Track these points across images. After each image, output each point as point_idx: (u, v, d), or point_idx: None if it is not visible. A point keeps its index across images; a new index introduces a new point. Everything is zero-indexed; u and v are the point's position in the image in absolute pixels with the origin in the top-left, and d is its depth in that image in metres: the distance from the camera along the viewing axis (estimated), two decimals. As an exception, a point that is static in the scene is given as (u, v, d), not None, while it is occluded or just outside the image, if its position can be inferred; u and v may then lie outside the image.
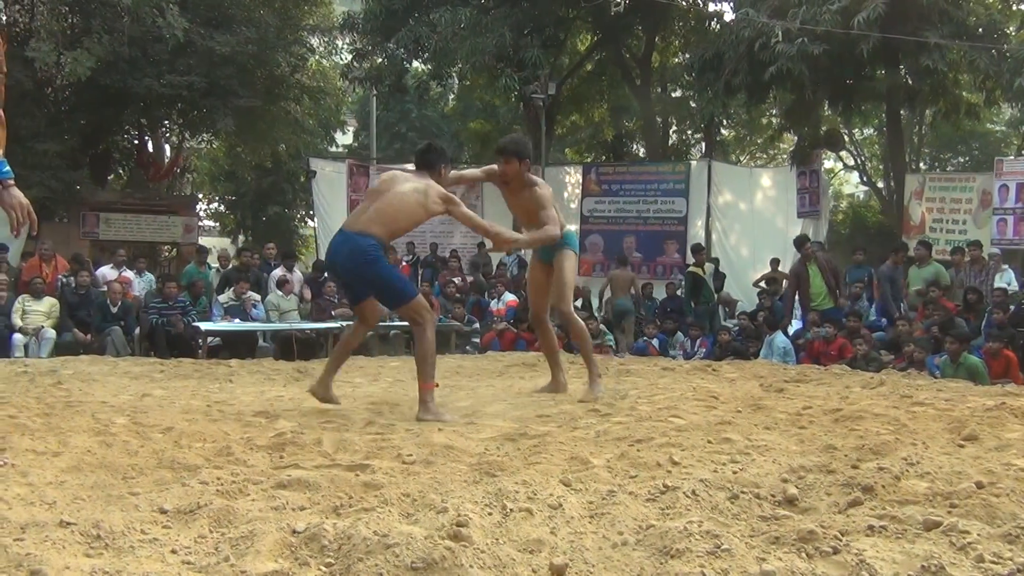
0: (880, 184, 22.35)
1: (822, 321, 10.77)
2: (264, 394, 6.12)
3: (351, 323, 5.81)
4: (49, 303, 10.81)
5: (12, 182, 3.69)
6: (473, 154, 23.93)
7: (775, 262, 14.01)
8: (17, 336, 10.32)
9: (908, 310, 11.12)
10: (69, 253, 13.07)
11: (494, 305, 13.11)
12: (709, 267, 13.68)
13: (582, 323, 6.28)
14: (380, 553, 2.17)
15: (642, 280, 15.45)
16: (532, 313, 6.39)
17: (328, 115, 22.81)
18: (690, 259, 15.88)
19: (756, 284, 13.90)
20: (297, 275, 13.04)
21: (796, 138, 16.81)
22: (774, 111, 19.69)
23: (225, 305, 11.66)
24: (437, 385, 5.08)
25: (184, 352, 10.28)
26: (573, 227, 17.15)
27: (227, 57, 15.57)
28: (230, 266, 13.51)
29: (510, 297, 13.00)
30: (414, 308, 5.10)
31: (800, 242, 11.94)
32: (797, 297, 11.79)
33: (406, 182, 5.15)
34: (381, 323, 11.47)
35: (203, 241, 19.56)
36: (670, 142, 23.44)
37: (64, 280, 11.58)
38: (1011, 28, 15.23)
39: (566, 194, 17.66)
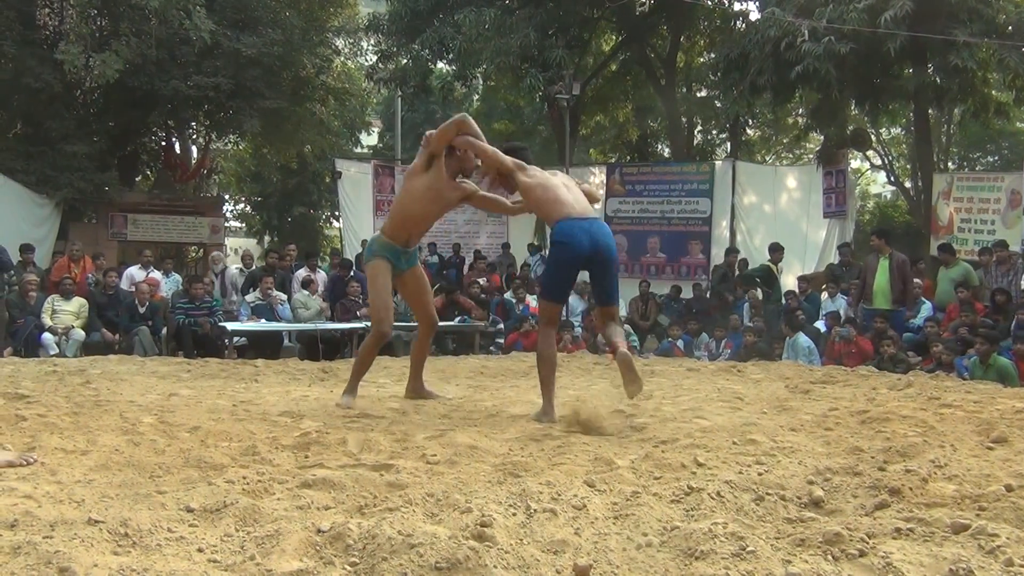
0: (908, 184, 22.08)
1: (880, 320, 10.16)
2: (289, 394, 6.15)
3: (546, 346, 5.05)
4: (78, 303, 10.94)
5: None
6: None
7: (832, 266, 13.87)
8: (47, 335, 10.46)
9: None
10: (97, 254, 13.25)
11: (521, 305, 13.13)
12: (782, 267, 13.49)
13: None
14: (404, 553, 2.17)
15: (666, 281, 15.39)
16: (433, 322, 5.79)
17: (353, 116, 22.91)
18: (714, 260, 15.84)
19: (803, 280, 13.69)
20: (321, 275, 13.11)
21: (822, 138, 16.66)
22: (800, 111, 19.52)
23: (252, 304, 11.74)
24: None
25: (210, 352, 10.37)
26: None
27: (253, 59, 15.67)
28: (255, 266, 13.59)
29: (540, 297, 12.92)
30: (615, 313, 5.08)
31: (881, 234, 11.37)
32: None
33: (552, 175, 5.18)
34: (401, 323, 11.52)
35: (229, 242, 19.67)
36: (695, 142, 23.32)
37: (93, 278, 11.72)
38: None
39: (590, 194, 17.60)
